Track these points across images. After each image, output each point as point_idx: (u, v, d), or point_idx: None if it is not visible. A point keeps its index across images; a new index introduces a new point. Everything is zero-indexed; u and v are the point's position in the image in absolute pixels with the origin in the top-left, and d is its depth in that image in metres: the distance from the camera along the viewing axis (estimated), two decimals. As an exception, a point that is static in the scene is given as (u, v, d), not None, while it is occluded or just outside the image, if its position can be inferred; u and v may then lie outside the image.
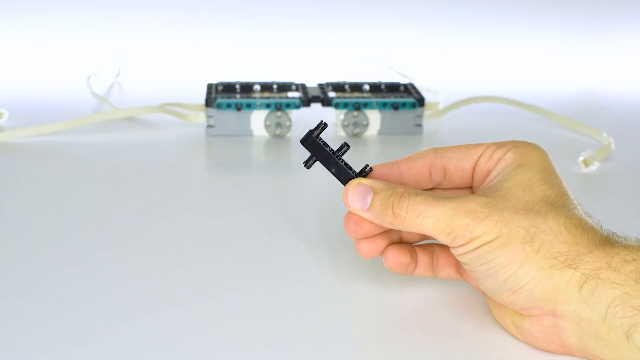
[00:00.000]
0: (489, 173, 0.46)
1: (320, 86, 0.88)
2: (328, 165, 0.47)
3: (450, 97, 0.95)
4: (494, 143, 0.46)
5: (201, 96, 0.89)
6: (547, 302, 0.41)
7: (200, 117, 0.85)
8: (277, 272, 0.53)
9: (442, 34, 1.16)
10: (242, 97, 0.83)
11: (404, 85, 0.89)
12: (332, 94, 0.87)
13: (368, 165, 0.47)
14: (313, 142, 0.47)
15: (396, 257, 0.47)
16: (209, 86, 0.87)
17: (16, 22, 1.11)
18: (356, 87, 0.88)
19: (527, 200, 0.42)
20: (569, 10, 1.17)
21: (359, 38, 1.16)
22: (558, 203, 0.43)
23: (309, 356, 0.43)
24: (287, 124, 0.84)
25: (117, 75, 1.07)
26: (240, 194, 0.69)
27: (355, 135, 0.85)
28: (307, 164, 0.47)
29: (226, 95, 0.84)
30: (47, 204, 0.66)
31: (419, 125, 0.85)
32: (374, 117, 0.84)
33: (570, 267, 0.41)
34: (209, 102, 0.83)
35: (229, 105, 0.82)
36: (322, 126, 0.47)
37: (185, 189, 0.70)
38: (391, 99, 0.84)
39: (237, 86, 0.87)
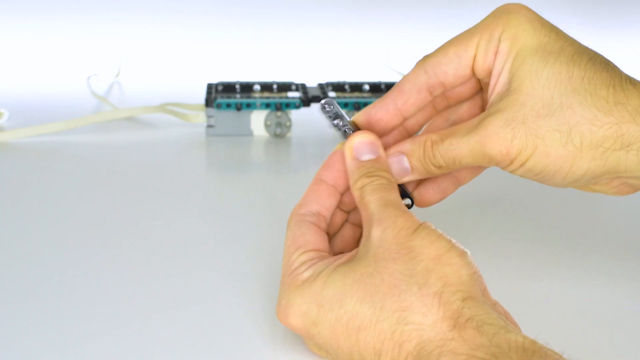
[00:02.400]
0: (490, 71, 0.44)
1: (320, 86, 0.88)
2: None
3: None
4: (479, 34, 0.43)
5: (201, 96, 0.89)
6: (611, 175, 0.42)
7: (200, 117, 0.85)
8: (277, 272, 0.53)
9: (442, 34, 1.16)
10: (242, 97, 0.83)
11: (404, 85, 0.89)
12: (332, 94, 0.87)
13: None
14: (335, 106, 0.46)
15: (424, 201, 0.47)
16: (209, 86, 0.87)
17: (16, 22, 1.12)
18: (356, 87, 0.88)
19: (542, 94, 0.41)
20: (568, 10, 1.17)
21: (359, 38, 1.16)
22: (574, 82, 0.41)
23: (310, 357, 0.43)
24: (287, 123, 0.84)
25: (117, 75, 1.07)
26: (240, 194, 0.69)
27: (355, 135, 0.85)
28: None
29: (226, 95, 0.84)
30: (47, 204, 0.66)
31: (419, 125, 0.85)
32: (374, 117, 0.84)
33: (623, 149, 0.41)
34: (209, 102, 0.83)
35: (229, 105, 0.82)
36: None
37: (185, 189, 0.70)
38: (391, 99, 0.84)
39: (237, 86, 0.87)
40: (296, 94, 0.86)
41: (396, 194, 0.42)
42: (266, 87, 0.87)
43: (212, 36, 1.14)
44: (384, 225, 0.40)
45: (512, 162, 0.42)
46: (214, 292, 0.51)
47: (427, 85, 0.45)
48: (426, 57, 0.45)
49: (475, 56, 0.44)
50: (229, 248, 0.57)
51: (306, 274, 0.41)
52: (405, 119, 0.46)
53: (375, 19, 1.16)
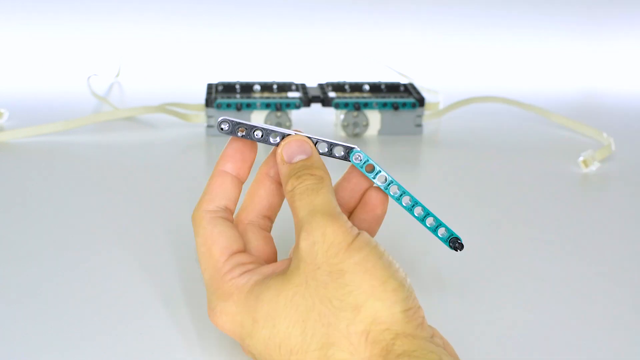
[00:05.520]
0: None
1: (320, 86, 0.88)
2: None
3: (450, 97, 0.95)
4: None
5: (201, 96, 0.89)
6: None
7: (200, 117, 0.85)
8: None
9: (442, 34, 1.16)
10: (242, 97, 0.83)
11: (404, 85, 0.89)
12: (332, 94, 0.87)
13: None
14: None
15: None
16: (209, 86, 0.87)
17: (16, 22, 1.12)
18: (356, 87, 0.88)
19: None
20: (568, 10, 1.17)
21: (359, 38, 1.16)
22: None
23: None
24: (287, 124, 0.84)
25: (117, 75, 1.07)
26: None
27: (356, 136, 0.85)
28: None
29: (226, 95, 0.84)
30: (46, 204, 0.66)
31: (419, 126, 0.85)
32: (374, 117, 0.84)
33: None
34: (209, 102, 0.83)
35: (229, 105, 0.82)
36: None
37: (185, 189, 0.70)
38: (391, 99, 0.84)
39: (237, 86, 0.87)
40: (296, 94, 0.86)
41: (326, 194, 0.40)
42: (266, 87, 0.87)
43: (212, 36, 1.14)
44: (313, 239, 0.38)
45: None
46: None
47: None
48: None
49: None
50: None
51: (241, 281, 0.40)
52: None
53: (375, 19, 1.16)
